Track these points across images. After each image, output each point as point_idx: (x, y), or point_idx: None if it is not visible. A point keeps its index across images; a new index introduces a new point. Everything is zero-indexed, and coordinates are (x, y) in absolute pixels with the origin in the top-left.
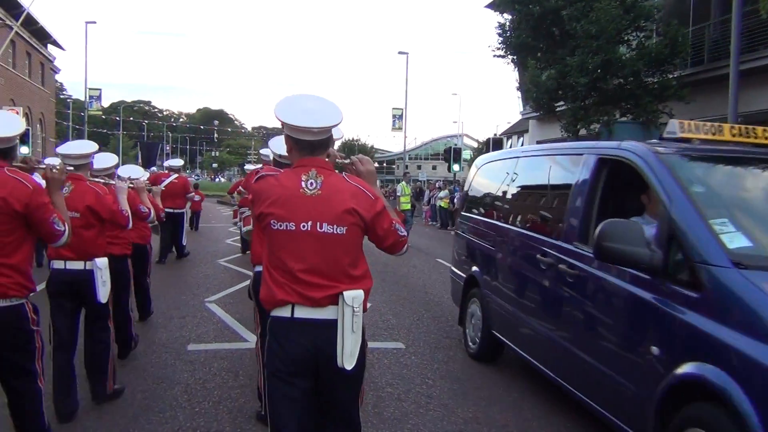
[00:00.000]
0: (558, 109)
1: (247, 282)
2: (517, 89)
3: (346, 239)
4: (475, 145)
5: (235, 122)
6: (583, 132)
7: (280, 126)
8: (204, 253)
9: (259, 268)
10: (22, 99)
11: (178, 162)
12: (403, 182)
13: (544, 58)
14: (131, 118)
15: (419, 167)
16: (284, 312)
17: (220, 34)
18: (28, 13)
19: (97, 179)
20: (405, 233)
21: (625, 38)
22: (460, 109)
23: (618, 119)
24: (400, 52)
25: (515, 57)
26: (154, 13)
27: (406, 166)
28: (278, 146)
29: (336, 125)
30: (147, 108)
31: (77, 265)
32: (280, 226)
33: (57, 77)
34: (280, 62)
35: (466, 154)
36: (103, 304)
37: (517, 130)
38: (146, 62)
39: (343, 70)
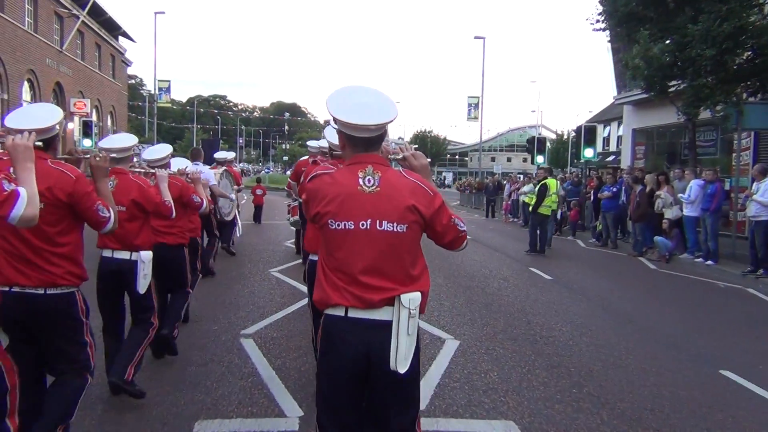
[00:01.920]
0: (672, 88)
1: (299, 305)
2: (624, 66)
3: (406, 237)
4: (553, 136)
5: (308, 115)
6: (706, 114)
7: None
8: (257, 259)
9: (313, 257)
10: (92, 91)
11: (226, 154)
12: (550, 178)
13: (657, 29)
14: (208, 111)
15: (493, 159)
16: (338, 311)
17: (295, 29)
18: (96, 4)
19: (141, 170)
20: (464, 228)
21: (761, 0)
22: (539, 98)
23: (747, 99)
24: (476, 37)
25: (620, 29)
26: (234, 9)
27: (496, 159)
28: (334, 135)
29: (392, 121)
30: (222, 102)
31: (123, 254)
32: (338, 225)
33: (137, 72)
34: (352, 53)
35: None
36: (142, 295)
37: (605, 118)
38: (224, 58)
39: (415, 58)
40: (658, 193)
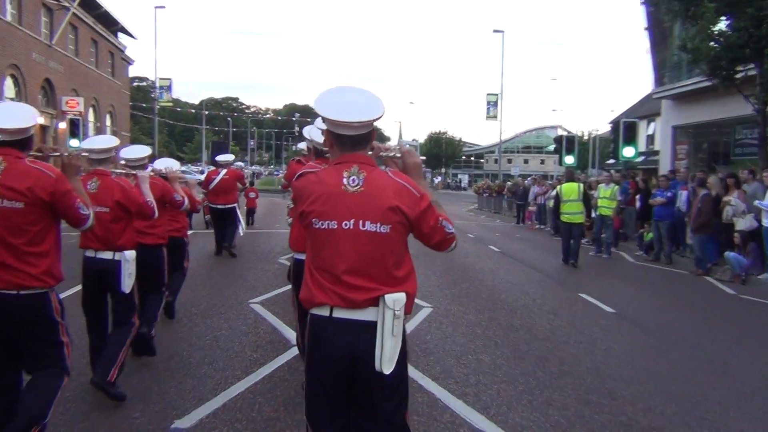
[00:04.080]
0: (740, 74)
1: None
2: (681, 48)
3: (389, 238)
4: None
5: (320, 117)
6: None
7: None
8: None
9: (298, 256)
10: (87, 89)
11: (227, 157)
12: (603, 185)
13: (724, 3)
14: (220, 114)
15: (510, 161)
16: (323, 311)
17: (307, 32)
18: None
19: (121, 171)
20: (452, 230)
21: None
22: (559, 97)
23: None
24: (495, 31)
25: (677, 3)
26: (245, 14)
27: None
28: (318, 134)
29: (377, 119)
30: (235, 104)
31: (106, 255)
32: (322, 224)
33: (149, 74)
34: (365, 52)
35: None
36: (126, 294)
37: (633, 116)
38: (237, 61)
39: (429, 56)
40: (726, 199)
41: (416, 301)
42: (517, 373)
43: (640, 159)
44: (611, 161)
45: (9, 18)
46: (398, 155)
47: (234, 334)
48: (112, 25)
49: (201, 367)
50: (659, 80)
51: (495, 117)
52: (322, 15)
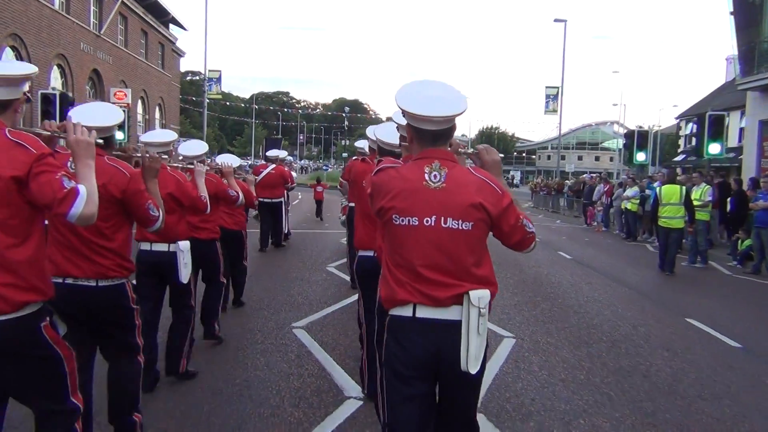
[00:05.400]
0: None
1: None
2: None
3: (471, 235)
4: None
5: (370, 111)
6: None
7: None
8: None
9: (362, 253)
10: (136, 81)
11: (276, 152)
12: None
13: None
14: (270, 108)
15: (563, 158)
16: (405, 311)
17: (357, 26)
18: None
19: (178, 165)
20: (533, 229)
21: None
22: (615, 92)
23: None
24: (556, 20)
25: None
26: (295, 9)
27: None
28: (386, 133)
29: (460, 114)
30: (285, 99)
31: (161, 247)
32: (402, 221)
33: (201, 68)
34: (415, 48)
35: (614, 144)
36: (184, 284)
37: (702, 111)
38: (287, 56)
39: (481, 48)
40: None
41: (494, 327)
42: None
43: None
44: (679, 158)
45: (57, 6)
46: (475, 152)
47: (271, 375)
48: (162, 15)
49: None
50: (745, 70)
51: (555, 111)
52: (372, 8)
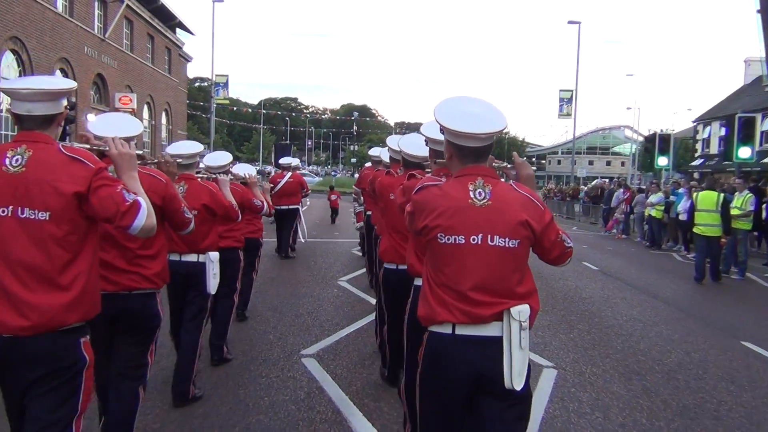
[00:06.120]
0: None
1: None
2: None
3: (516, 253)
4: (640, 138)
5: (378, 117)
6: None
7: (420, 122)
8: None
9: (388, 265)
10: (142, 86)
11: (290, 160)
12: (748, 193)
13: None
14: (279, 114)
15: (574, 162)
16: (445, 329)
17: (365, 31)
18: None
19: (204, 175)
20: (571, 244)
21: None
22: (626, 96)
23: None
24: (570, 22)
25: None
26: (304, 16)
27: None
28: (411, 145)
29: (502, 131)
30: (293, 105)
31: (191, 257)
32: (448, 239)
33: (209, 74)
34: (423, 53)
35: (627, 149)
36: (208, 296)
37: (719, 115)
38: (295, 62)
39: (490, 53)
40: None
41: (533, 356)
42: None
43: (713, 161)
44: (697, 162)
45: (60, 9)
46: (510, 166)
47: (276, 422)
48: (169, 20)
49: None
50: None
51: (569, 114)
52: (380, 13)
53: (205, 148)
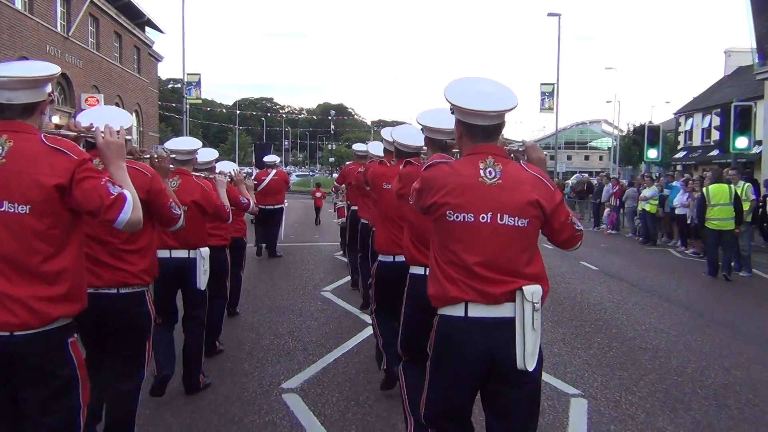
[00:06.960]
0: None
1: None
2: None
3: (526, 232)
4: (616, 132)
5: (355, 115)
6: None
7: (398, 120)
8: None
9: (384, 258)
10: (110, 86)
11: (273, 158)
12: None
13: None
14: (254, 114)
15: (552, 158)
16: (457, 311)
17: (341, 30)
18: None
19: (198, 173)
20: (581, 227)
21: None
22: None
23: None
24: (549, 14)
25: None
26: (278, 16)
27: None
28: (404, 135)
29: (512, 109)
30: (269, 105)
31: (181, 253)
32: (457, 217)
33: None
34: (399, 52)
35: (605, 144)
36: (201, 291)
37: (701, 107)
38: (271, 62)
39: (459, 55)
40: None
41: (551, 380)
42: None
43: (716, 152)
44: (680, 155)
45: (19, 5)
46: (521, 148)
47: None
48: (137, 17)
49: None
50: (764, 57)
51: (550, 109)
52: (356, 12)
53: None
